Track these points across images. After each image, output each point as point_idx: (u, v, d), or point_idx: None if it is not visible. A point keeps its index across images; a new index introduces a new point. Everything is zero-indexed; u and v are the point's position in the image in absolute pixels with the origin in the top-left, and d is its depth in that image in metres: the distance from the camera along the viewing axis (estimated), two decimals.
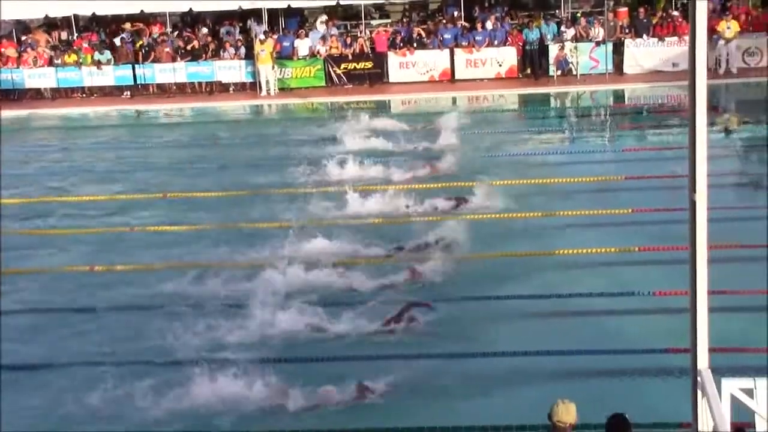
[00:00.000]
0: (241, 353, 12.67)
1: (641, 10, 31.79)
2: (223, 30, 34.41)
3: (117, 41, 34.13)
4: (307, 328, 13.58)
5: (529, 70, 31.73)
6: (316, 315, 13.80)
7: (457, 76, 31.82)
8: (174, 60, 33.06)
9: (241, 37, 33.69)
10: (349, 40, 32.95)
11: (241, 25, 34.73)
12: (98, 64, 33.36)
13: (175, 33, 34.53)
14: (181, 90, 33.15)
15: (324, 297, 14.55)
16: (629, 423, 7.59)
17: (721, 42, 29.76)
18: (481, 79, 31.59)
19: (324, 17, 34.40)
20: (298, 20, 35.08)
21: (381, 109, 29.94)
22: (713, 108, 25.62)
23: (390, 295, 14.71)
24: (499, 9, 34.08)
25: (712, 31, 28.47)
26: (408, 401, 11.57)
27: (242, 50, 32.91)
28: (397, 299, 14.45)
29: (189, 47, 33.42)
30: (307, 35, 33.18)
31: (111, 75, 33.45)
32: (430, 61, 32.03)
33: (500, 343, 13.02)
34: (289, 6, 33.95)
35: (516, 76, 31.68)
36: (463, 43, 32.03)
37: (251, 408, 11.54)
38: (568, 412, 7.65)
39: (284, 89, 32.33)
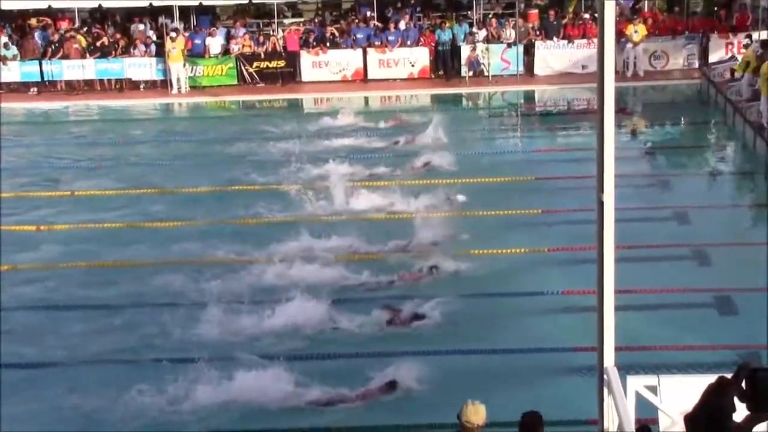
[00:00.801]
0: None
1: (551, 12, 32.19)
2: (133, 27, 33.95)
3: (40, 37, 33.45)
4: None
5: (441, 71, 31.92)
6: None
7: (369, 76, 31.87)
8: (83, 56, 32.53)
9: (151, 35, 33.30)
10: (261, 39, 32.78)
11: (152, 22, 34.32)
12: (4, 59, 32.68)
13: (84, 29, 33.99)
14: (90, 87, 32.62)
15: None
16: (542, 420, 7.69)
17: (629, 45, 30.27)
18: (394, 79, 31.69)
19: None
20: (210, 18, 34.79)
21: (293, 108, 29.92)
22: (621, 110, 26.03)
23: None
24: (412, 9, 34.21)
25: (620, 35, 28.93)
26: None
27: (153, 47, 32.54)
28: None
29: (98, 44, 32.92)
30: (219, 33, 32.93)
31: (17, 71, 32.77)
32: (343, 61, 32.03)
33: (412, 343, 13.07)
34: (200, 3, 33.65)
35: (428, 77, 31.84)
36: (376, 43, 32.10)
37: None
38: (476, 413, 7.71)
39: (196, 87, 32.04)
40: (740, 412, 1.77)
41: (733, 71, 27.00)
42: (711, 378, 7.56)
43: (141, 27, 33.73)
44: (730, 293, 14.68)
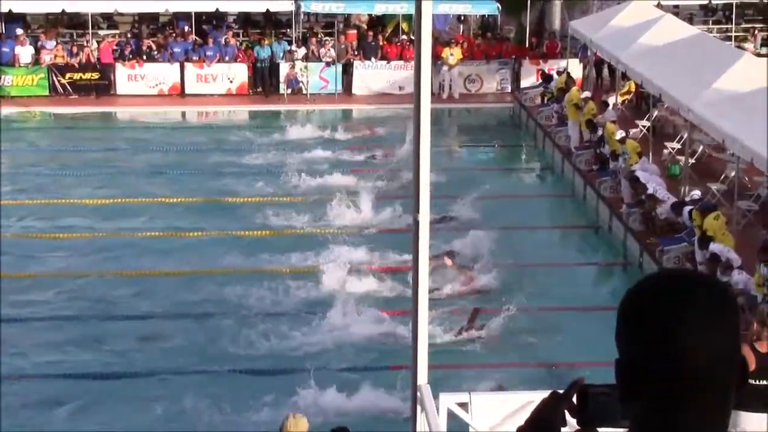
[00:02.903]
0: None
1: (370, 33, 32.54)
2: None
3: None
4: None
5: (260, 88, 31.80)
6: None
7: (187, 91, 31.42)
8: None
9: None
10: (74, 50, 31.90)
11: None
12: None
13: None
14: None
15: None
16: None
17: (445, 68, 30.89)
18: (212, 95, 31.36)
19: None
20: (20, 26, 33.63)
21: (105, 121, 29.41)
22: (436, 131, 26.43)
23: None
24: (231, 25, 33.97)
25: (436, 57, 29.48)
26: None
27: None
28: None
29: None
30: (29, 42, 31.89)
31: None
32: (160, 75, 31.48)
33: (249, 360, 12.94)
34: (10, 11, 32.50)
35: (247, 93, 31.65)
36: (194, 58, 31.71)
37: None
38: (297, 426, 7.72)
39: (4, 97, 30.88)
40: (571, 427, 1.83)
41: (543, 96, 27.94)
42: (520, 395, 7.75)
43: None
44: (542, 312, 15.12)
